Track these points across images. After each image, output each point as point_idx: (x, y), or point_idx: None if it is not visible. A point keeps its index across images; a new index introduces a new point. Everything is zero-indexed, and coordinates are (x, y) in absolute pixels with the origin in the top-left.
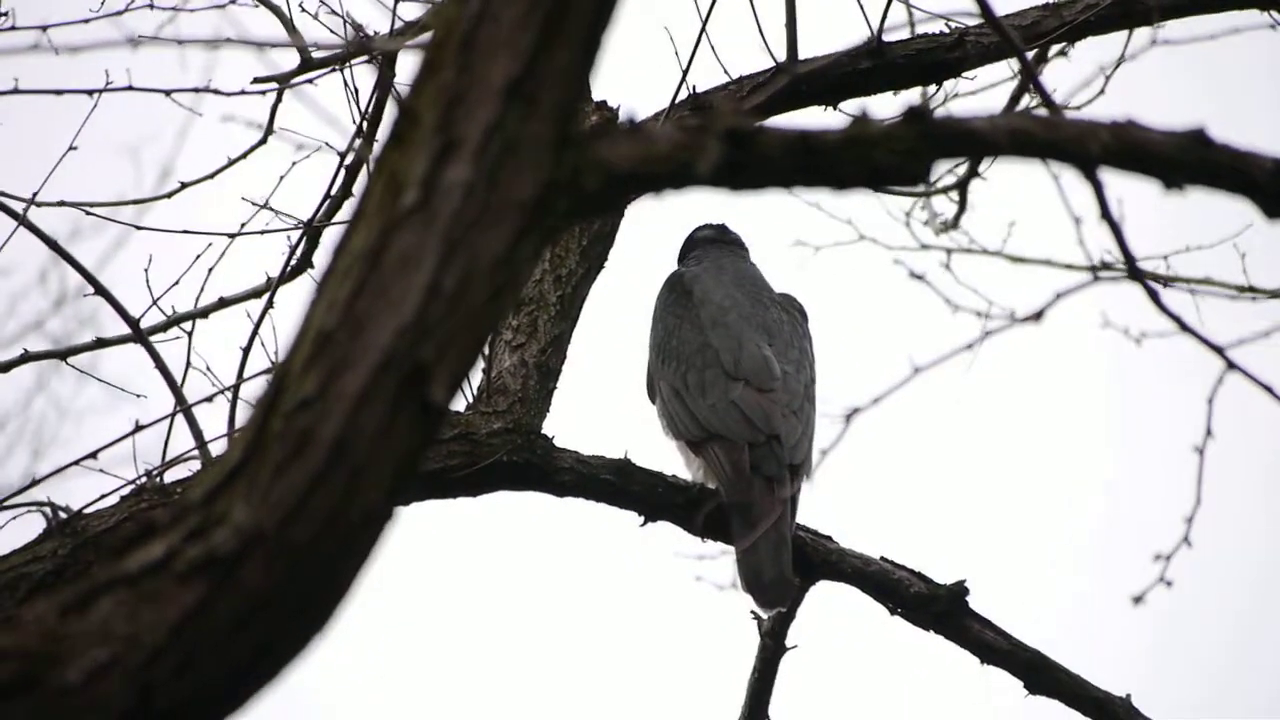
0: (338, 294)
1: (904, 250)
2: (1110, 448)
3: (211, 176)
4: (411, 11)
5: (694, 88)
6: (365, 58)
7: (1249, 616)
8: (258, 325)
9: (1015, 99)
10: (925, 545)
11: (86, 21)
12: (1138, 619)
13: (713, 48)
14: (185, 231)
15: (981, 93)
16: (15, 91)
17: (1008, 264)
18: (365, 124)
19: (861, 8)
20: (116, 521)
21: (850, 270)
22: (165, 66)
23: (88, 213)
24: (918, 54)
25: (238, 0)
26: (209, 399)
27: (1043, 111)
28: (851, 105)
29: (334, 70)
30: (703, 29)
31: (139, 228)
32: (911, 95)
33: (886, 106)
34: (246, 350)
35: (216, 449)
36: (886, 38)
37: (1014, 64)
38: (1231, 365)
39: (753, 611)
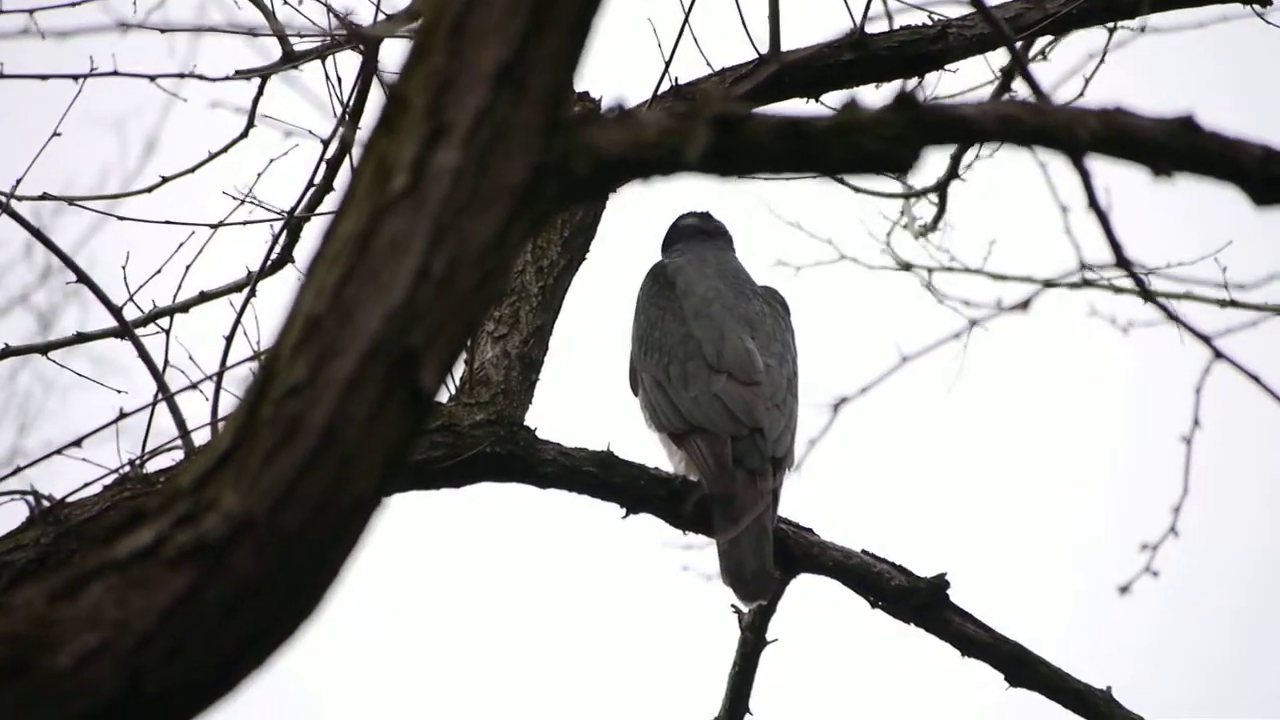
0: (326, 279)
1: (883, 270)
2: (1096, 438)
3: (192, 170)
4: (397, 1)
5: (676, 79)
6: (349, 47)
7: (1233, 608)
8: (240, 315)
9: (1002, 88)
10: (909, 538)
11: (74, 4)
12: (1120, 612)
13: (695, 39)
14: (167, 222)
15: (967, 92)
16: (0, 76)
17: (988, 279)
18: (348, 114)
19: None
20: (99, 510)
21: (839, 278)
22: (152, 51)
23: (71, 203)
24: (900, 46)
25: None
26: (193, 386)
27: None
28: (833, 98)
29: (317, 60)
30: (685, 20)
31: (121, 218)
32: (894, 88)
33: (869, 99)
34: (229, 340)
35: (199, 438)
36: (869, 29)
37: (993, 59)
38: (1219, 354)
39: (733, 605)
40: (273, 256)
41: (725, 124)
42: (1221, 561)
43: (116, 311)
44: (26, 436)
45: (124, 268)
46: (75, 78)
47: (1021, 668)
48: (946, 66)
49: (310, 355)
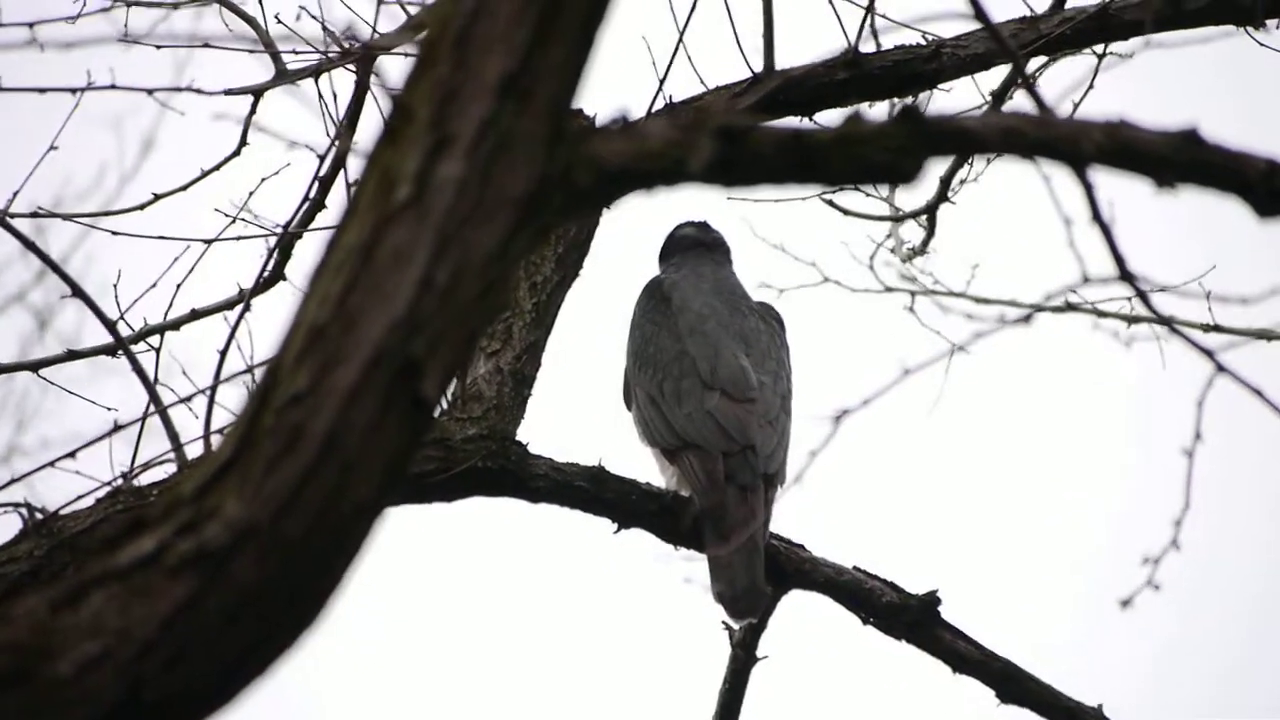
0: (330, 289)
1: (866, 293)
2: (1097, 452)
3: (184, 188)
4: (394, 15)
5: (670, 97)
6: (344, 64)
7: (1232, 623)
8: (233, 331)
9: (999, 98)
10: (905, 554)
11: (74, 19)
12: (1118, 627)
13: (689, 57)
14: (160, 238)
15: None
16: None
17: (972, 304)
18: (343, 130)
19: (839, 18)
20: (93, 523)
21: (844, 281)
22: (150, 64)
23: (65, 219)
24: (894, 65)
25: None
26: (187, 399)
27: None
28: (827, 117)
29: (310, 78)
30: (680, 38)
31: (114, 233)
32: (888, 107)
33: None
34: (223, 354)
35: (192, 452)
36: (863, 48)
37: (984, 80)
38: (1221, 368)
39: (724, 622)
40: (266, 273)
41: (729, 135)
42: (1221, 576)
43: (111, 326)
44: (22, 435)
45: (115, 286)
46: (73, 91)
47: (1013, 685)
48: (940, 86)
49: (313, 364)
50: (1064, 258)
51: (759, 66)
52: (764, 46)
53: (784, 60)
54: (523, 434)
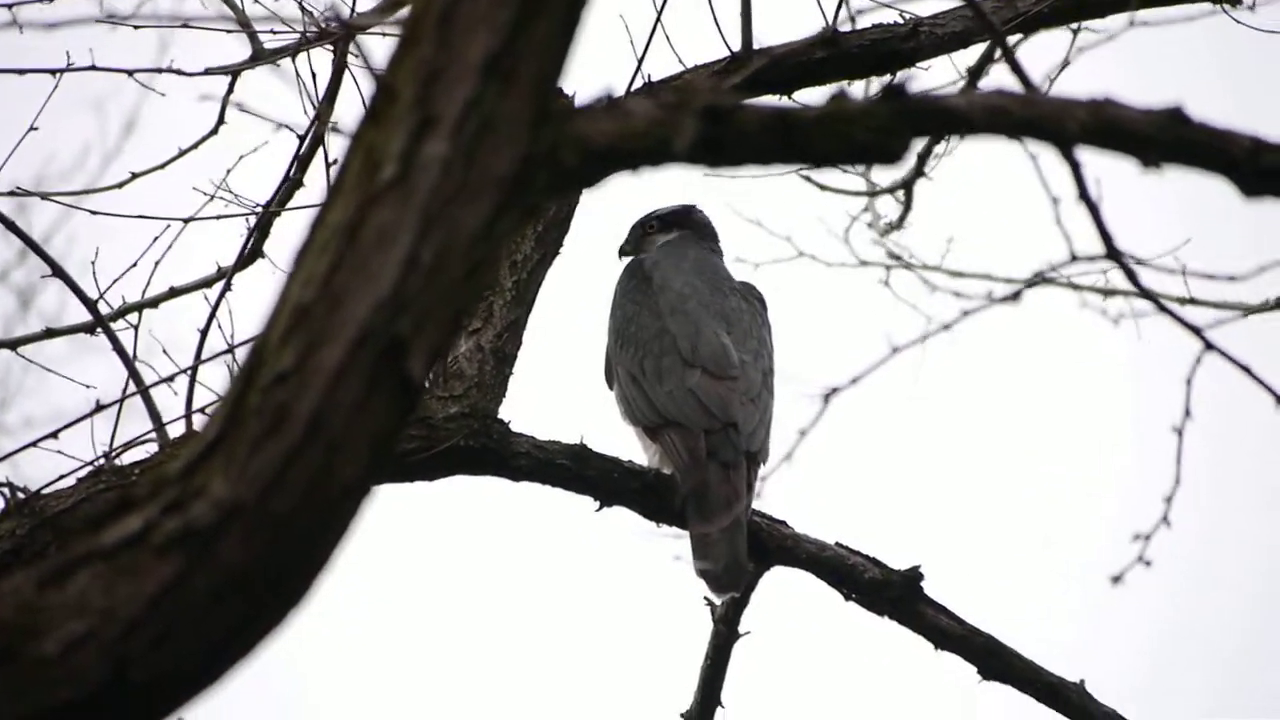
0: (315, 268)
1: (843, 266)
2: (1086, 429)
3: (162, 167)
4: None
5: (649, 77)
6: (323, 42)
7: (1221, 601)
8: (214, 309)
9: (975, 75)
10: (891, 531)
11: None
12: (1105, 604)
13: (668, 37)
14: (139, 217)
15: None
16: None
17: (957, 281)
18: (323, 109)
19: None
20: (75, 502)
21: (822, 256)
22: (130, 44)
23: (44, 198)
24: (873, 44)
25: None
26: (169, 379)
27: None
28: (806, 96)
29: (289, 57)
30: (658, 18)
31: (93, 213)
32: (866, 86)
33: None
34: (204, 333)
35: (174, 431)
36: (841, 27)
37: (960, 58)
38: (1209, 345)
39: (706, 597)
40: (246, 251)
41: (714, 115)
42: (1211, 554)
43: (91, 305)
44: (4, 413)
45: (93, 263)
46: (53, 72)
47: (995, 660)
48: (918, 64)
49: (298, 343)
50: (1044, 234)
51: (737, 46)
52: (741, 25)
53: (762, 39)
54: (504, 412)
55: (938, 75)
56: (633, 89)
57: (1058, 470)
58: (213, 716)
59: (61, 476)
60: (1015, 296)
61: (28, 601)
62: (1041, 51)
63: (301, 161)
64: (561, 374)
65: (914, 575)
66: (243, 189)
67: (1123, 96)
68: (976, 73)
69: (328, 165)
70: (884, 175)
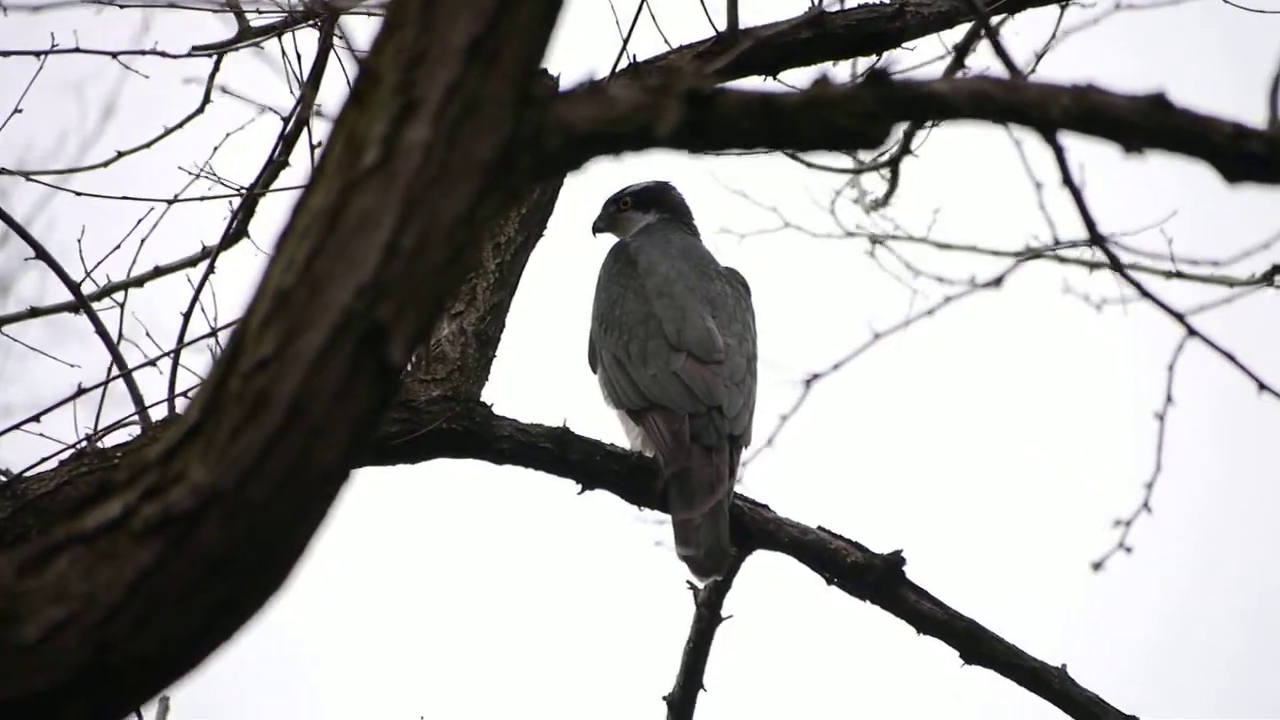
0: (296, 253)
1: (829, 238)
2: (1069, 415)
3: (148, 146)
4: None
5: (634, 57)
6: (309, 22)
7: (1193, 586)
8: (198, 291)
9: (954, 68)
10: (873, 515)
11: None
12: (1081, 590)
13: (653, 16)
14: (124, 198)
15: (919, 66)
16: None
17: (935, 249)
18: (307, 90)
19: None
20: (57, 485)
21: (805, 241)
22: (115, 24)
23: (27, 177)
24: (858, 24)
25: None
26: (152, 362)
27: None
28: (792, 77)
29: (275, 36)
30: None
31: (77, 193)
32: (851, 66)
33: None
34: (187, 315)
35: (156, 414)
36: (826, 7)
37: (948, 37)
38: (1192, 332)
39: (688, 581)
40: (232, 229)
41: (697, 99)
42: (1189, 540)
43: (75, 287)
44: None
45: (79, 241)
46: (38, 54)
47: (977, 645)
48: (904, 45)
49: (279, 328)
50: (1032, 214)
51: (723, 26)
52: (727, 6)
53: (747, 19)
54: (487, 395)
55: (925, 52)
56: (618, 70)
57: (1042, 455)
58: (195, 701)
59: (43, 460)
60: (998, 281)
61: (7, 587)
62: (1030, 28)
63: (286, 142)
64: (545, 357)
65: (896, 560)
66: (228, 170)
67: (1107, 81)
68: (964, 50)
69: (312, 147)
70: (869, 152)
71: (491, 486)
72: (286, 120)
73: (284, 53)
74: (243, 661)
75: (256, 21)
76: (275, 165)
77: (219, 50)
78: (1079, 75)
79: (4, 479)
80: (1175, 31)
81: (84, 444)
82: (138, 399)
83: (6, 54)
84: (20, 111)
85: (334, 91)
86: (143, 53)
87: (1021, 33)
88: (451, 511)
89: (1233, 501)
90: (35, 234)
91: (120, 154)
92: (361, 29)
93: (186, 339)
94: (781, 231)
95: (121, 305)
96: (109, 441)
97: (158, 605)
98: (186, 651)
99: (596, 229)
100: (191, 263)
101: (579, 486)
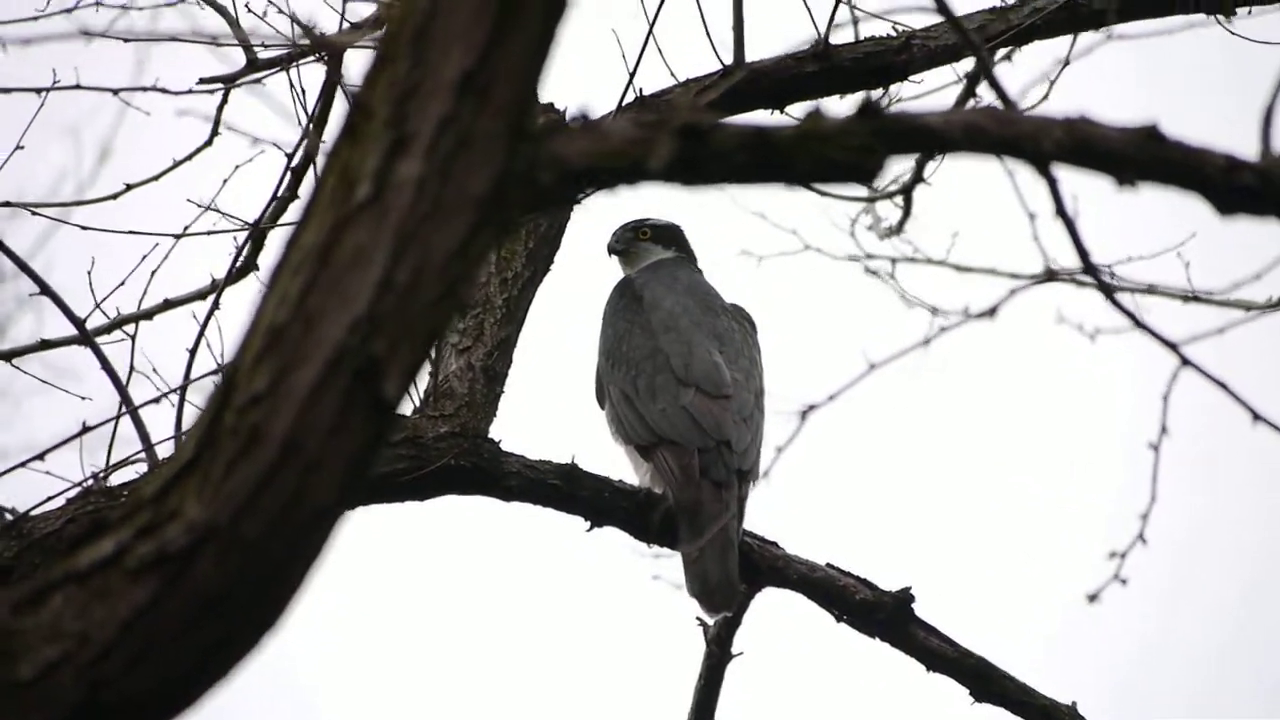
0: (289, 288)
1: (849, 260)
2: (1064, 445)
3: (156, 178)
4: (361, 10)
5: (641, 90)
6: (313, 57)
7: (1202, 617)
8: (204, 326)
9: (966, 95)
10: (876, 549)
11: (36, 19)
12: (1090, 625)
13: (660, 50)
14: (131, 232)
15: (928, 94)
16: None
17: (954, 272)
18: (313, 124)
19: (809, 10)
20: (63, 523)
21: (802, 270)
22: (115, 60)
23: (34, 211)
24: (864, 57)
25: None
26: (156, 400)
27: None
28: (798, 109)
29: (281, 70)
30: (650, 31)
31: (84, 227)
32: (857, 99)
33: (835, 109)
34: (193, 351)
35: (163, 451)
36: (833, 40)
37: (958, 68)
38: (1186, 361)
39: (699, 617)
40: (239, 263)
41: (691, 133)
42: (1197, 570)
43: (79, 324)
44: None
45: (89, 273)
46: (38, 91)
47: (987, 683)
48: (910, 78)
49: (272, 364)
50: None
51: (729, 59)
52: (734, 38)
53: (754, 53)
54: (495, 431)
55: (938, 78)
56: (624, 103)
57: (1038, 486)
58: None
59: (50, 498)
60: (992, 312)
61: (2, 625)
62: (1039, 61)
63: (295, 175)
64: (552, 392)
65: (905, 597)
66: (236, 204)
67: (1103, 114)
68: (975, 79)
69: (317, 181)
70: (882, 180)
71: (499, 523)
72: (291, 154)
73: (292, 86)
74: (249, 699)
75: (262, 56)
76: (282, 200)
77: (226, 84)
78: (1077, 106)
79: (10, 518)
80: (1174, 60)
81: (90, 482)
82: (144, 436)
83: (7, 91)
84: (22, 148)
85: (339, 126)
86: (144, 90)
87: (1025, 65)
88: (459, 548)
89: (1235, 529)
90: (38, 269)
91: (129, 186)
92: (360, 64)
93: (193, 375)
94: (800, 255)
95: (134, 337)
96: (115, 480)
97: (152, 643)
98: (181, 689)
99: (612, 250)
100: (201, 295)
101: (588, 523)
